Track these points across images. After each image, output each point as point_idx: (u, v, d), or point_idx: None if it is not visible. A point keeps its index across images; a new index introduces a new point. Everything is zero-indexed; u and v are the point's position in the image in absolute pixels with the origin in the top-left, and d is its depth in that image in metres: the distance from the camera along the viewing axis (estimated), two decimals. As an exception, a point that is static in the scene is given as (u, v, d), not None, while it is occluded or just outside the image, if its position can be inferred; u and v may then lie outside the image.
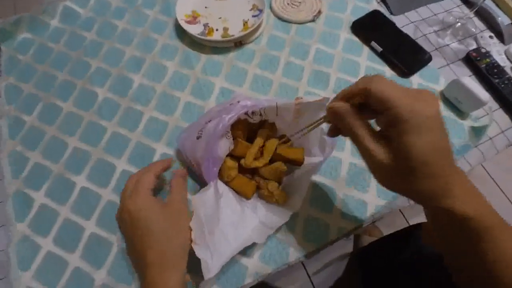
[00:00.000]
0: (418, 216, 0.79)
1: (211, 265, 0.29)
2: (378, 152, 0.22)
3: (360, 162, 0.42)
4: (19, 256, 0.37)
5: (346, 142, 0.43)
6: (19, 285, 0.36)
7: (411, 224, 0.80)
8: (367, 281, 0.67)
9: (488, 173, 0.91)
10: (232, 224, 0.33)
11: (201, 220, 0.31)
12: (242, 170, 0.37)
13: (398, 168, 0.21)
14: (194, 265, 0.36)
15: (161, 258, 0.27)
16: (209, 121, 0.36)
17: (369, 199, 0.40)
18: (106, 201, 0.40)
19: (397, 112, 0.20)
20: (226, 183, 0.37)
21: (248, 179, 0.37)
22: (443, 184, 0.21)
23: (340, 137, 0.38)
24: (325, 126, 0.38)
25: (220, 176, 0.36)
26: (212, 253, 0.30)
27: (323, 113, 0.31)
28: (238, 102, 0.33)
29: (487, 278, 0.23)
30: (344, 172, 0.41)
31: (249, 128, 0.37)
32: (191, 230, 0.30)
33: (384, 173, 0.23)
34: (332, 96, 0.46)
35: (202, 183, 0.38)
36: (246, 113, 0.34)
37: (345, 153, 0.42)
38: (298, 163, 0.37)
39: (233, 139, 0.35)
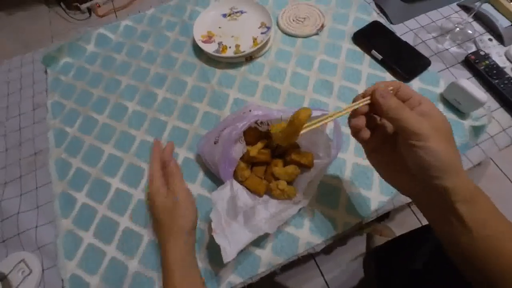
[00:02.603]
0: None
1: (229, 251, 0.34)
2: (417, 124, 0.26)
3: (363, 162, 0.45)
4: (65, 248, 0.43)
5: (350, 144, 0.47)
6: (65, 272, 0.42)
7: (423, 223, 0.80)
8: (382, 279, 0.67)
9: (503, 172, 0.90)
10: (246, 217, 0.37)
11: (220, 213, 0.36)
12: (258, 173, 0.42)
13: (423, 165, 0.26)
14: (214, 254, 0.40)
15: (169, 233, 0.38)
16: (224, 129, 0.41)
17: (372, 196, 0.43)
18: (137, 200, 0.46)
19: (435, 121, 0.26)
20: (240, 182, 0.41)
21: (260, 179, 0.42)
22: (457, 182, 0.25)
23: (344, 140, 0.43)
24: (329, 132, 0.43)
25: (235, 176, 0.41)
26: (229, 241, 0.34)
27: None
28: (250, 111, 0.38)
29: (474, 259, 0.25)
30: (348, 171, 0.45)
31: (258, 135, 0.42)
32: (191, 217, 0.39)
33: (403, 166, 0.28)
34: (336, 103, 0.50)
35: (219, 182, 0.43)
36: (256, 122, 0.39)
37: (348, 154, 0.46)
38: (308, 166, 0.42)
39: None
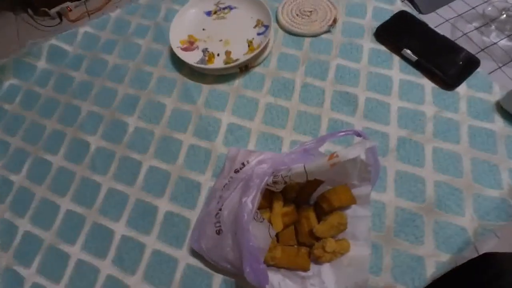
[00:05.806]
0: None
1: None
2: None
3: (409, 205, 0.34)
4: None
5: (388, 180, 0.35)
6: None
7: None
8: None
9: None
10: None
11: None
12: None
13: None
14: None
15: None
16: (220, 209, 0.29)
17: (426, 253, 0.32)
18: (105, 276, 0.33)
19: None
20: (274, 265, 0.30)
21: (295, 249, 0.31)
22: None
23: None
24: (363, 156, 0.30)
25: (264, 261, 0.28)
26: None
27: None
28: (244, 164, 0.26)
29: None
30: (390, 220, 0.33)
31: (269, 195, 0.30)
32: None
33: None
34: (363, 123, 0.38)
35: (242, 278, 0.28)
36: (267, 183, 0.27)
37: (387, 194, 0.34)
38: (351, 204, 0.31)
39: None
